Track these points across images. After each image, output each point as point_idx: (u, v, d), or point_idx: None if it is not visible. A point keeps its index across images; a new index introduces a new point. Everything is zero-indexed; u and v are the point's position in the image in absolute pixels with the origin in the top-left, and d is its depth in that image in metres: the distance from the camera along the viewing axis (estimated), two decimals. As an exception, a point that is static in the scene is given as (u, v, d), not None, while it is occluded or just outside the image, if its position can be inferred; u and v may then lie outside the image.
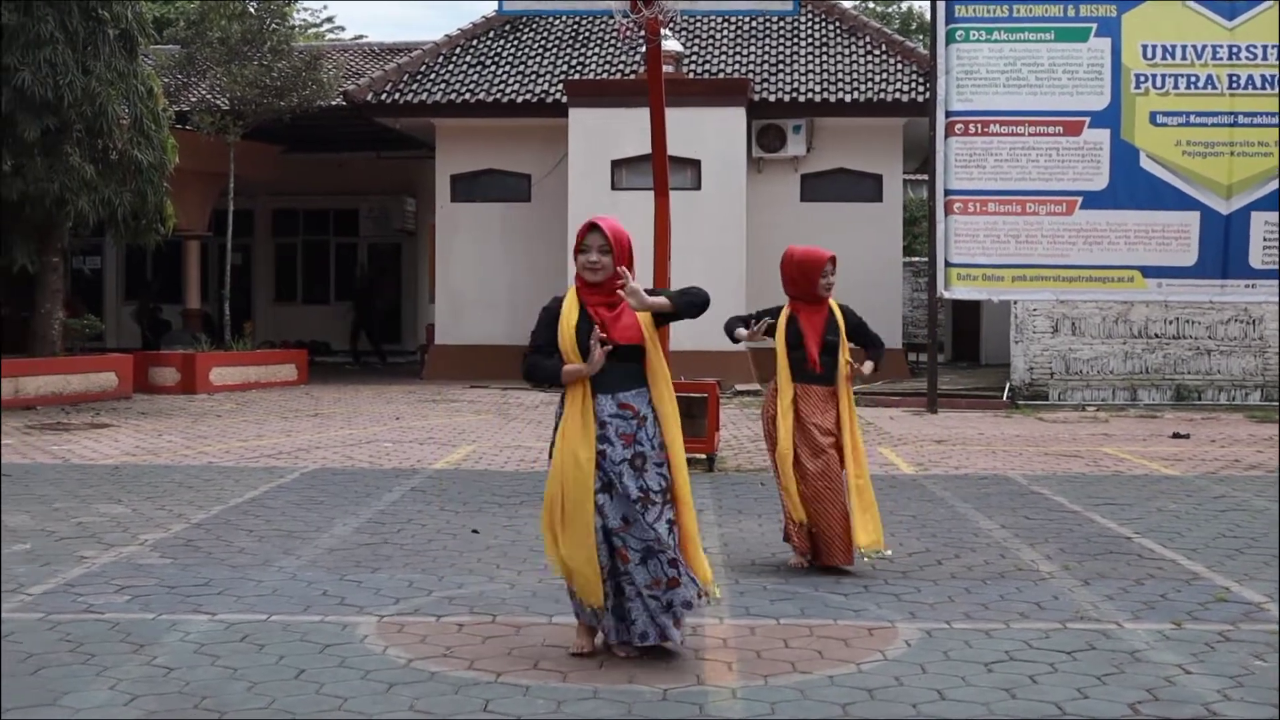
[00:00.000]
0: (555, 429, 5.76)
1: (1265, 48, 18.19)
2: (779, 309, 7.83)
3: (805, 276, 7.67)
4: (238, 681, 5.33)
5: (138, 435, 14.60)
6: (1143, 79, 18.28)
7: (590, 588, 5.67)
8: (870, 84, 23.21)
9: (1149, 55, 18.26)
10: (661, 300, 5.63)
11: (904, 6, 47.80)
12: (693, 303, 5.74)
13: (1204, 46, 18.19)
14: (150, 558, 7.81)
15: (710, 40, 24.98)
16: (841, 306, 7.83)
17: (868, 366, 7.91)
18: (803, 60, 24.05)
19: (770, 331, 7.75)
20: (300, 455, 12.84)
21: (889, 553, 7.71)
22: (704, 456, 12.14)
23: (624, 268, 5.61)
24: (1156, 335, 19.34)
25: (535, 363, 5.77)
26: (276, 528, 8.84)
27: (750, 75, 23.39)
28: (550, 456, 5.79)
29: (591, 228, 5.73)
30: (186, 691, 5.20)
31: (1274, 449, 14.06)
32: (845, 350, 7.71)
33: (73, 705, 5.04)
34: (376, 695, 5.18)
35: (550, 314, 5.79)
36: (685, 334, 19.23)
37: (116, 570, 7.44)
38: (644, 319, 5.69)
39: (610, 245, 5.68)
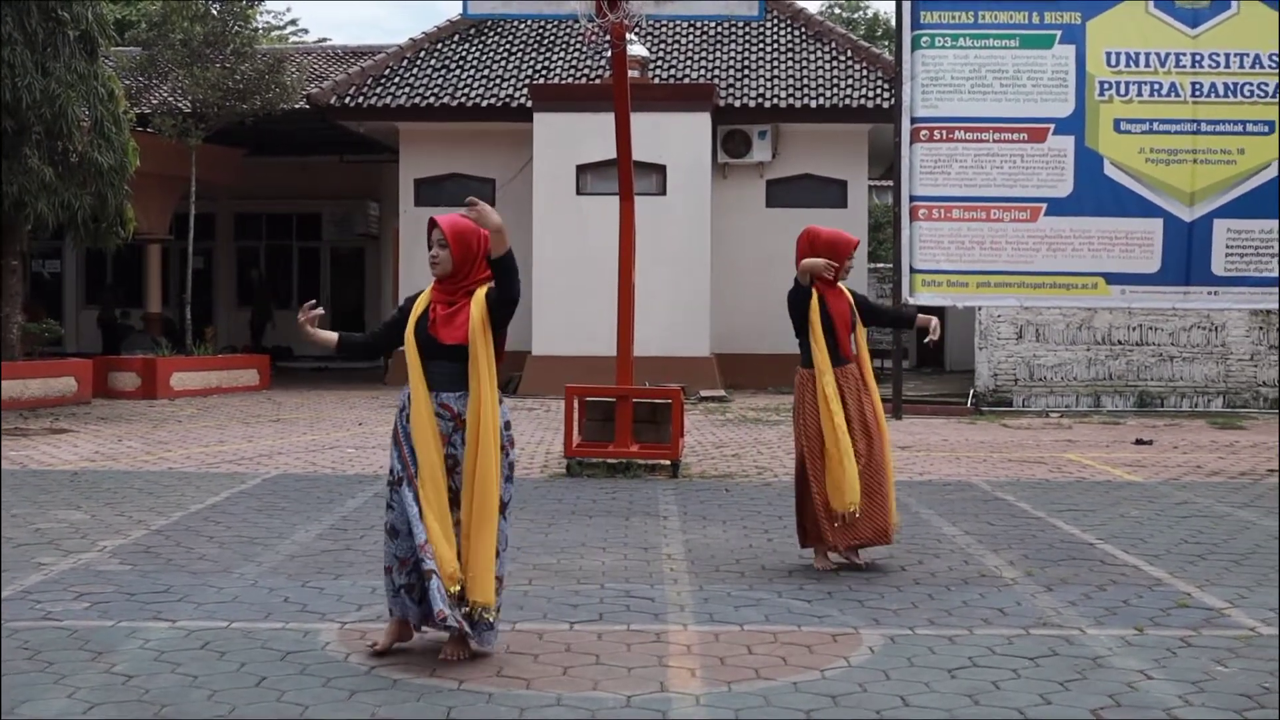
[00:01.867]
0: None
1: (1228, 55, 18.29)
2: (807, 290, 7.90)
3: (834, 257, 7.84)
4: (198, 689, 5.27)
5: (97, 440, 14.47)
6: (1106, 86, 18.36)
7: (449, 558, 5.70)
8: (836, 90, 23.20)
9: (1113, 62, 18.33)
10: (499, 225, 5.53)
11: (870, 12, 47.93)
12: (513, 267, 5.67)
13: (1167, 54, 18.26)
14: (109, 564, 7.72)
15: (675, 45, 24.93)
16: (849, 290, 8.02)
17: (935, 327, 8.27)
18: (768, 66, 24.04)
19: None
20: (262, 461, 12.74)
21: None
22: (668, 463, 12.07)
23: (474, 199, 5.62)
24: (1120, 342, 19.36)
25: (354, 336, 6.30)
26: (237, 534, 8.75)
27: (716, 80, 23.38)
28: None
29: (432, 225, 5.79)
30: (146, 700, 5.13)
31: (1235, 455, 14.10)
32: (863, 332, 7.96)
33: (30, 714, 4.97)
34: (338, 703, 5.13)
35: (408, 300, 5.96)
36: (651, 339, 19.30)
37: (75, 577, 7.34)
38: (476, 322, 5.66)
39: (448, 240, 5.70)
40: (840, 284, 7.96)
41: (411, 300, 5.92)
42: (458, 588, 5.63)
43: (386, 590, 5.88)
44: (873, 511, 7.71)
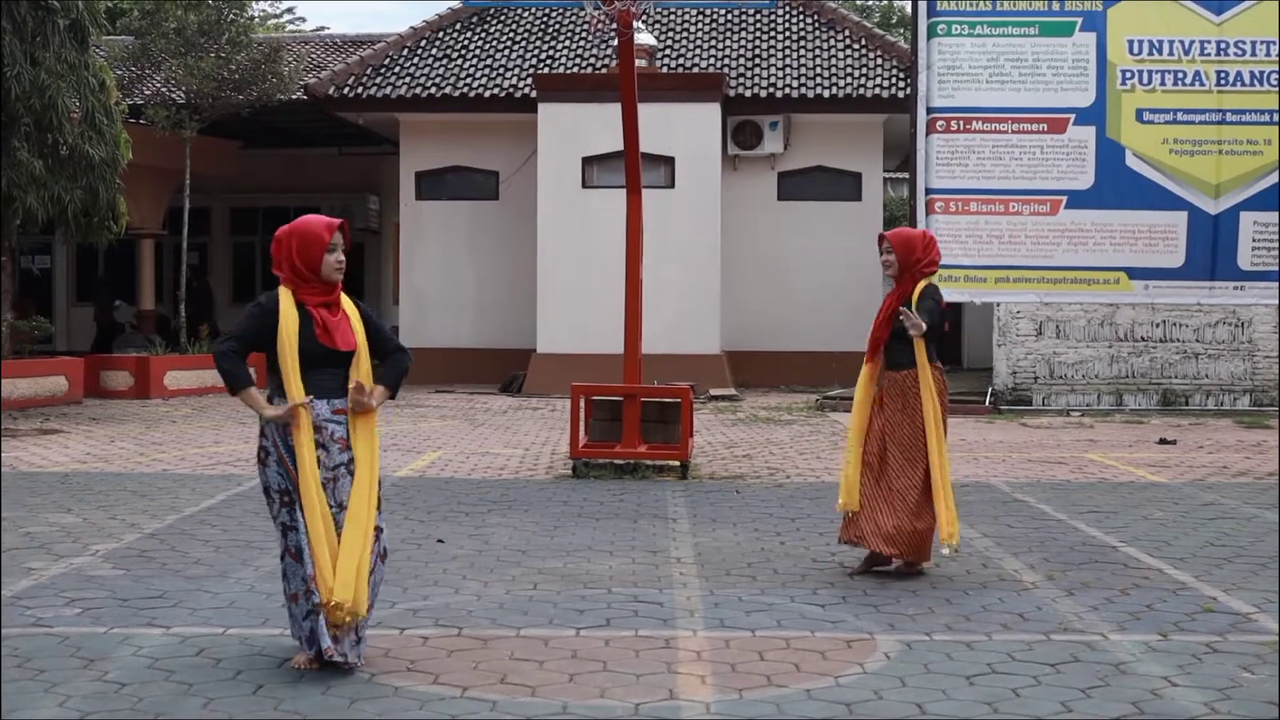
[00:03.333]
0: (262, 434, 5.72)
1: (1254, 43, 18.07)
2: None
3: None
4: (193, 698, 5.22)
5: (89, 441, 14.36)
6: (1129, 75, 18.23)
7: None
8: (849, 79, 23.04)
9: (1135, 51, 18.18)
10: (386, 392, 5.81)
11: (884, -1, 47.45)
12: (404, 376, 5.96)
13: (1191, 42, 18.08)
14: (102, 569, 7.67)
15: (684, 33, 24.82)
16: (926, 288, 7.60)
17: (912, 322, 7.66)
18: (780, 54, 23.86)
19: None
20: None
21: (947, 549, 7.63)
22: (677, 463, 12.03)
23: (368, 390, 5.66)
24: (1143, 338, 19.16)
25: (234, 361, 5.64)
26: (233, 538, 8.69)
27: (726, 70, 23.22)
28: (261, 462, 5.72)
29: (340, 226, 5.81)
30: (139, 709, 5.08)
31: (1263, 455, 14.00)
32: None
33: (21, 723, 4.92)
34: (338, 711, 5.10)
35: (265, 310, 5.68)
36: (660, 336, 19.02)
37: (66, 582, 7.29)
38: (359, 327, 5.76)
39: (348, 245, 5.81)
40: (923, 283, 7.64)
41: (274, 301, 5.69)
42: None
43: (295, 619, 5.76)
44: (869, 518, 7.62)
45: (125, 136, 18.30)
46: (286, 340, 5.56)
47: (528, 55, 24.01)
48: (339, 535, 5.55)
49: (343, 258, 5.72)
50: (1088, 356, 19.24)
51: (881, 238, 7.77)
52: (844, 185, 23.30)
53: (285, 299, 5.64)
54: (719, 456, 13.44)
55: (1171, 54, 18.03)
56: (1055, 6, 18.24)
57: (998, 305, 19.46)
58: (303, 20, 43.98)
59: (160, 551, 8.18)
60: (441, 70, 23.54)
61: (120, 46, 23.44)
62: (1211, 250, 17.95)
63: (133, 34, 23.22)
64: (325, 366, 5.63)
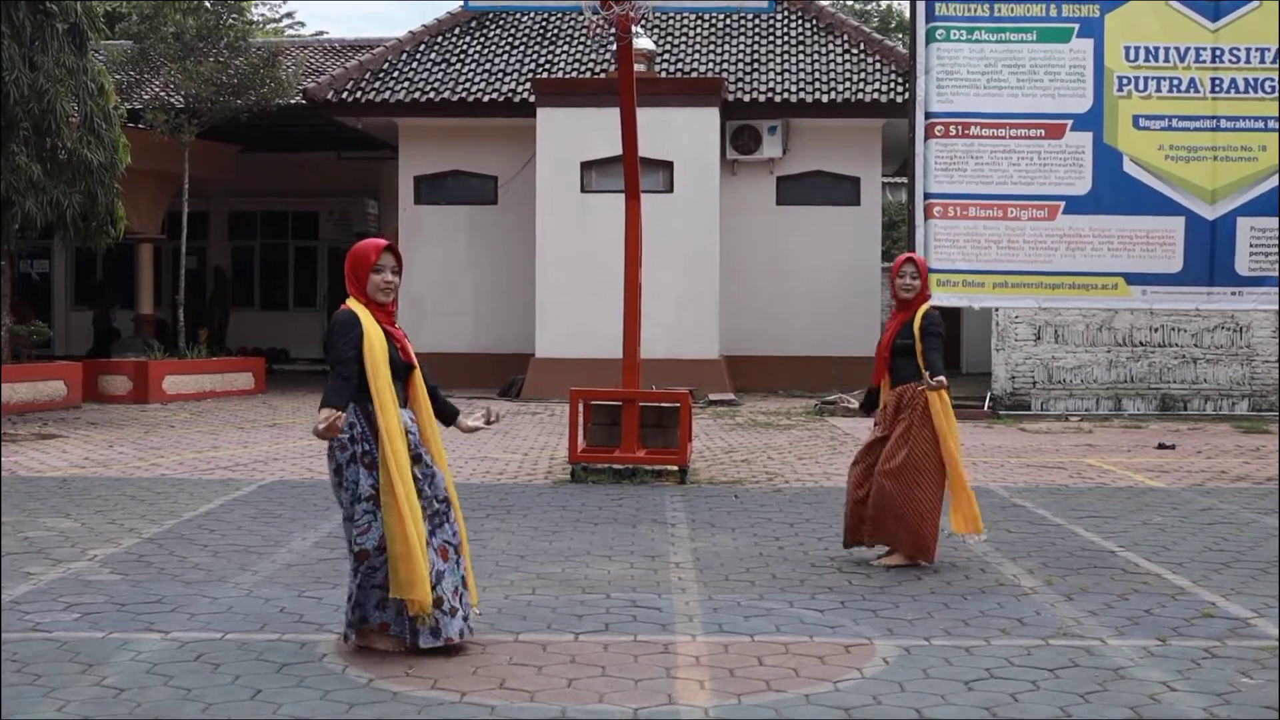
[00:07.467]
0: (353, 447, 5.90)
1: (1248, 50, 18.09)
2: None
3: (892, 278, 8.19)
4: (192, 703, 5.24)
5: (87, 446, 14.37)
6: (1125, 81, 18.21)
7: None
8: (848, 84, 23.04)
9: (1131, 57, 18.18)
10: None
11: (883, 4, 47.57)
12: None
13: (1186, 49, 18.08)
14: (100, 574, 7.69)
15: (683, 38, 24.82)
16: (927, 314, 7.99)
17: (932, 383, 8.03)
18: (778, 59, 23.86)
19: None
20: (257, 467, 12.68)
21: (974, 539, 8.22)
22: (676, 468, 12.02)
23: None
24: (1141, 343, 19.15)
25: (342, 387, 5.82)
26: (232, 542, 8.71)
27: (724, 74, 23.23)
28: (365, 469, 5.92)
29: (387, 248, 5.98)
30: (138, 714, 5.11)
31: (1261, 460, 14.02)
32: (920, 354, 7.97)
33: (20, 728, 4.95)
34: (336, 716, 5.11)
35: (353, 328, 5.85)
36: (658, 341, 19.04)
37: (65, 587, 7.30)
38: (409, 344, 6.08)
39: (399, 269, 5.98)
40: (924, 306, 8.06)
41: (354, 317, 5.87)
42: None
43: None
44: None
45: (124, 141, 18.29)
46: (378, 352, 5.80)
47: (526, 60, 24.01)
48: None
49: (390, 278, 5.92)
50: (1086, 361, 19.24)
51: (909, 259, 8.07)
52: (842, 190, 23.28)
53: (365, 315, 5.88)
54: (717, 461, 13.43)
55: (1167, 60, 18.04)
56: (1053, 13, 18.25)
57: (996, 310, 19.45)
58: (301, 25, 44.02)
59: (159, 556, 8.18)
60: (440, 75, 23.53)
61: (119, 51, 23.48)
62: (1209, 255, 17.95)
63: (131, 38, 23.22)
64: (398, 380, 5.92)
